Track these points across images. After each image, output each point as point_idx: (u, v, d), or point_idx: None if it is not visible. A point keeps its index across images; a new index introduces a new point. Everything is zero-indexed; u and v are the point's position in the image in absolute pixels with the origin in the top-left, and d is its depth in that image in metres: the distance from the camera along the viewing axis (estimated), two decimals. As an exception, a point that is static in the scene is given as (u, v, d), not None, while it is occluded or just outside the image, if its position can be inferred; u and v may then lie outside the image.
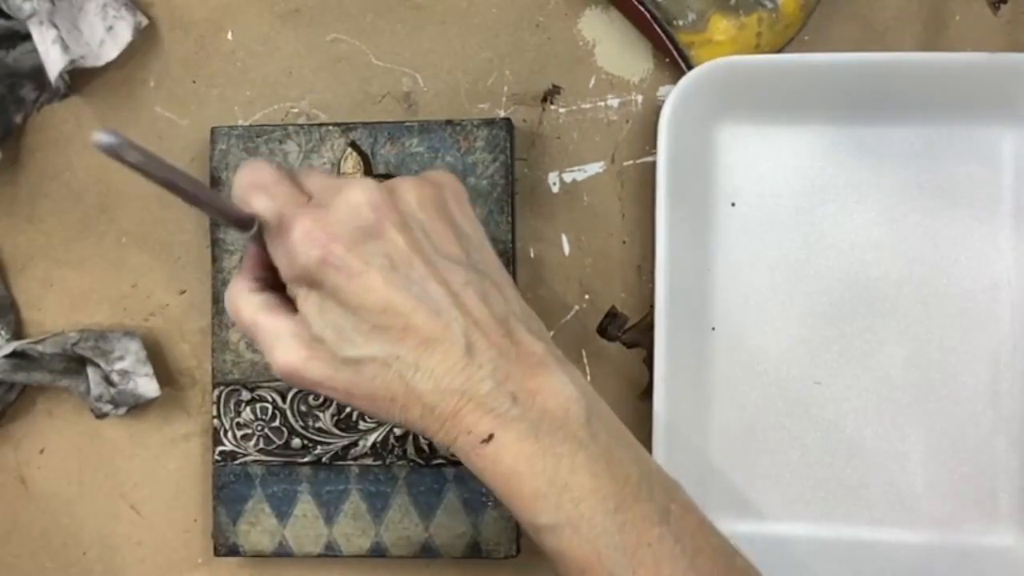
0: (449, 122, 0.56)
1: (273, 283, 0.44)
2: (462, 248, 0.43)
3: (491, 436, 0.41)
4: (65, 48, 0.54)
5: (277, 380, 0.56)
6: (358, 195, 0.41)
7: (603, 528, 0.40)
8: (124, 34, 0.57)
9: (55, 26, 0.54)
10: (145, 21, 0.58)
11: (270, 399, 0.56)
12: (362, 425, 0.56)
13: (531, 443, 0.41)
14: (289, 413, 0.56)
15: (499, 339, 0.42)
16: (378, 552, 0.56)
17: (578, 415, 0.41)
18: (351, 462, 0.56)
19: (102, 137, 0.35)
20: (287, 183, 0.43)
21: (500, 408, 0.41)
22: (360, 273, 0.41)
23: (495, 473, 0.41)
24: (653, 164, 0.54)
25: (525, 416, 0.41)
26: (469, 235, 0.44)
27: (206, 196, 0.40)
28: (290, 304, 0.43)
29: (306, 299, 0.42)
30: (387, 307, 0.41)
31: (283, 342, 0.42)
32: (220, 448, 0.56)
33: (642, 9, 0.54)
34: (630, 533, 0.40)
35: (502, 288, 0.44)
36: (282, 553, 0.56)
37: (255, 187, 0.42)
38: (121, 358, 0.57)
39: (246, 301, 0.43)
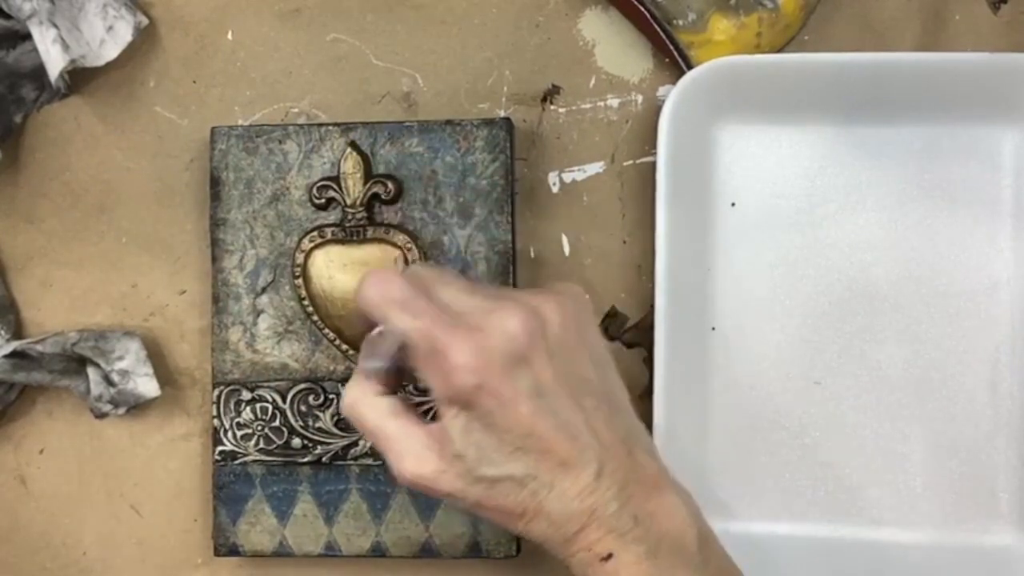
0: (449, 122, 0.56)
1: (394, 387, 0.46)
2: (595, 369, 0.45)
3: (611, 555, 0.42)
4: (65, 48, 0.54)
5: (277, 380, 0.56)
6: (513, 323, 0.42)
7: None
8: (124, 34, 0.57)
9: (55, 26, 0.54)
10: (145, 21, 0.58)
11: (270, 399, 0.56)
12: (362, 425, 0.56)
13: (649, 565, 0.42)
14: (289, 413, 0.56)
15: (623, 460, 0.43)
16: (378, 552, 0.56)
17: (692, 539, 0.43)
18: (351, 462, 0.56)
19: (375, 363, 0.42)
20: (425, 298, 0.44)
21: (622, 528, 0.42)
22: (510, 401, 0.42)
23: None
24: (653, 164, 0.54)
25: (645, 538, 0.42)
26: (599, 356, 0.46)
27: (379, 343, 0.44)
28: (415, 410, 0.45)
29: (455, 418, 0.43)
30: (531, 433, 0.42)
31: (414, 451, 0.43)
32: (220, 448, 0.56)
33: (642, 9, 0.54)
34: None
35: (624, 407, 0.46)
36: (282, 553, 0.56)
37: (393, 304, 0.43)
38: (121, 358, 0.57)
39: (371, 405, 0.45)
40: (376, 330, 0.44)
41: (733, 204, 0.55)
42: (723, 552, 0.45)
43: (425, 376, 0.43)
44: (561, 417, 0.42)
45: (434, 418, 0.44)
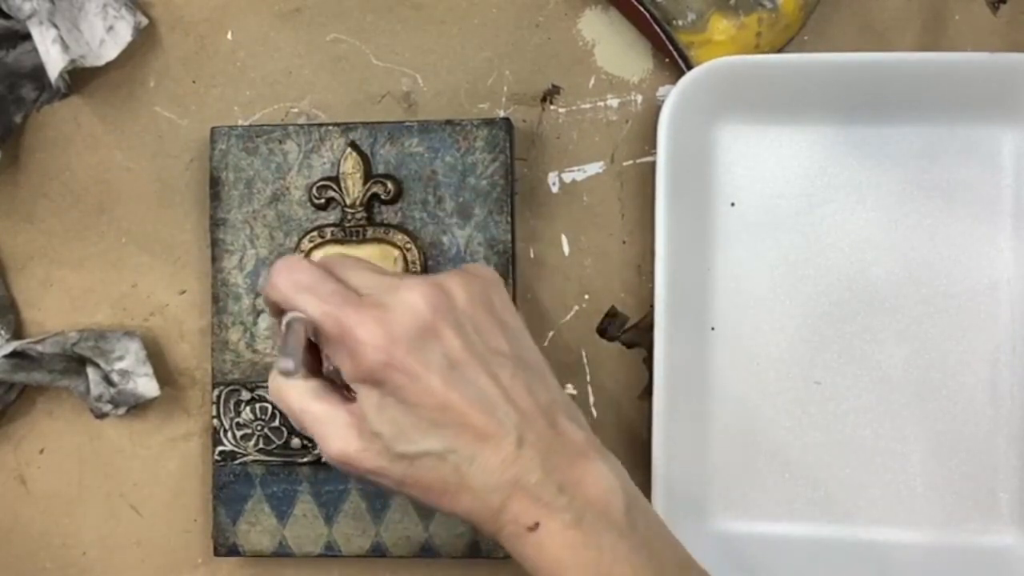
0: (449, 122, 0.56)
1: (315, 367, 0.45)
2: (508, 341, 0.45)
3: (537, 524, 0.42)
4: (65, 48, 0.54)
5: (277, 380, 0.56)
6: (416, 297, 0.43)
7: None
8: (124, 34, 0.57)
9: (55, 26, 0.55)
10: (145, 21, 0.58)
11: (270, 399, 0.56)
12: (362, 425, 0.56)
13: (575, 532, 0.41)
14: (289, 413, 0.56)
15: (545, 429, 0.43)
16: (378, 552, 0.56)
17: (619, 505, 0.42)
18: (351, 462, 0.56)
19: (288, 364, 0.40)
20: (332, 281, 0.44)
21: (547, 497, 0.42)
22: (420, 375, 0.42)
23: (539, 561, 0.42)
24: (653, 164, 0.54)
25: (570, 505, 0.42)
26: (512, 327, 0.46)
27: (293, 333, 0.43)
28: (336, 389, 0.44)
29: (367, 397, 0.43)
30: (445, 406, 0.42)
31: (337, 431, 0.43)
32: (220, 448, 0.56)
33: (642, 9, 0.54)
34: None
35: (544, 377, 0.45)
36: (282, 553, 0.56)
37: (300, 288, 0.43)
38: (121, 358, 0.57)
39: (295, 388, 0.44)
40: (287, 316, 0.44)
41: (733, 204, 0.55)
42: (655, 519, 0.44)
43: (335, 358, 0.43)
44: (475, 388, 0.42)
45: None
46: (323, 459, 0.44)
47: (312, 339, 0.44)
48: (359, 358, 0.42)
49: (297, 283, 0.44)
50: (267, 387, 0.56)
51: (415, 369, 0.42)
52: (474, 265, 0.48)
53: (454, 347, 0.43)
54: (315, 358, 0.46)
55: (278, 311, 0.45)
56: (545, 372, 0.45)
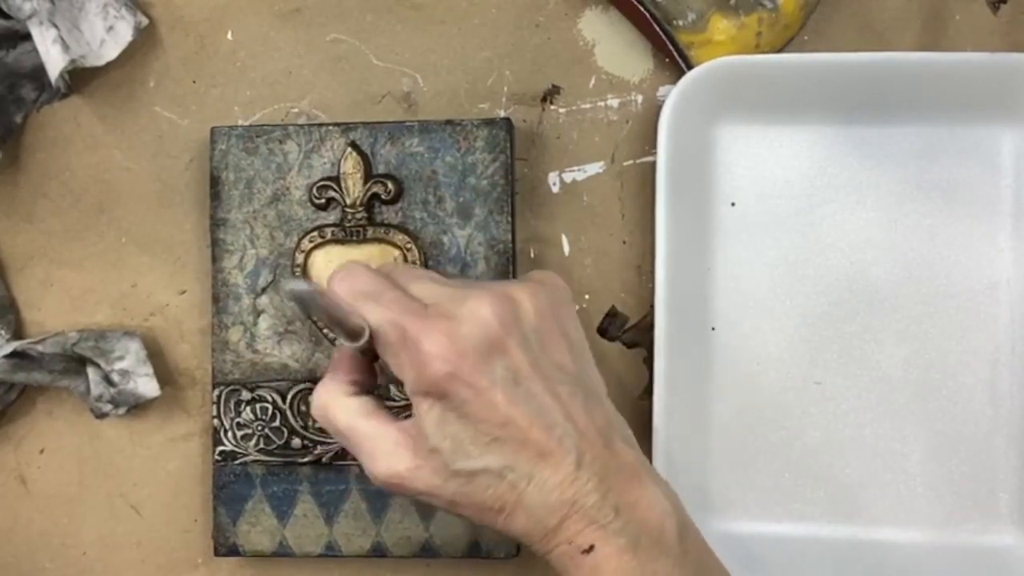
0: (449, 122, 0.56)
1: (367, 387, 0.45)
2: (571, 357, 0.44)
3: (592, 547, 0.41)
4: (65, 48, 0.54)
5: (277, 380, 0.56)
6: (486, 310, 0.42)
7: None
8: (124, 34, 0.57)
9: (55, 26, 0.54)
10: (145, 21, 0.58)
11: (270, 399, 0.56)
12: (362, 425, 0.56)
13: (630, 557, 0.41)
14: (289, 413, 0.56)
15: (602, 450, 0.42)
16: (378, 552, 0.56)
17: (672, 530, 0.42)
18: (351, 462, 0.56)
19: (298, 285, 0.38)
20: (395, 289, 0.43)
21: (603, 520, 0.41)
22: (485, 389, 0.41)
23: None
24: (653, 164, 0.54)
25: (626, 529, 0.41)
26: (576, 343, 0.45)
27: (339, 314, 0.42)
28: (387, 409, 0.44)
29: (428, 410, 0.42)
30: (507, 422, 0.41)
31: (388, 449, 0.42)
32: (220, 448, 0.56)
33: (642, 9, 0.54)
34: None
35: (601, 397, 0.45)
36: (282, 553, 0.56)
37: (363, 296, 0.43)
38: (121, 358, 0.57)
39: (342, 406, 0.44)
40: (359, 342, 0.43)
41: (733, 204, 0.55)
42: (703, 543, 0.44)
43: (396, 369, 0.42)
44: (537, 405, 0.42)
45: (408, 418, 0.43)
46: (372, 481, 0.43)
47: (362, 355, 0.44)
48: (424, 370, 0.41)
49: (358, 290, 0.43)
50: (268, 386, 0.56)
51: (480, 383, 0.41)
52: (544, 273, 0.47)
53: (520, 362, 0.42)
54: (364, 376, 0.45)
55: (330, 320, 0.43)
56: (602, 392, 0.45)
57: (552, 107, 0.57)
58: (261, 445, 0.56)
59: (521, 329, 0.42)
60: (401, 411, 0.44)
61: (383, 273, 0.44)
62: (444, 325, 0.41)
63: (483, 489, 0.42)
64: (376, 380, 0.46)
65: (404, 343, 0.42)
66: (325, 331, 0.56)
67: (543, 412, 0.42)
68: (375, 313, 0.42)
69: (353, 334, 0.42)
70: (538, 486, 0.41)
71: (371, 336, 0.42)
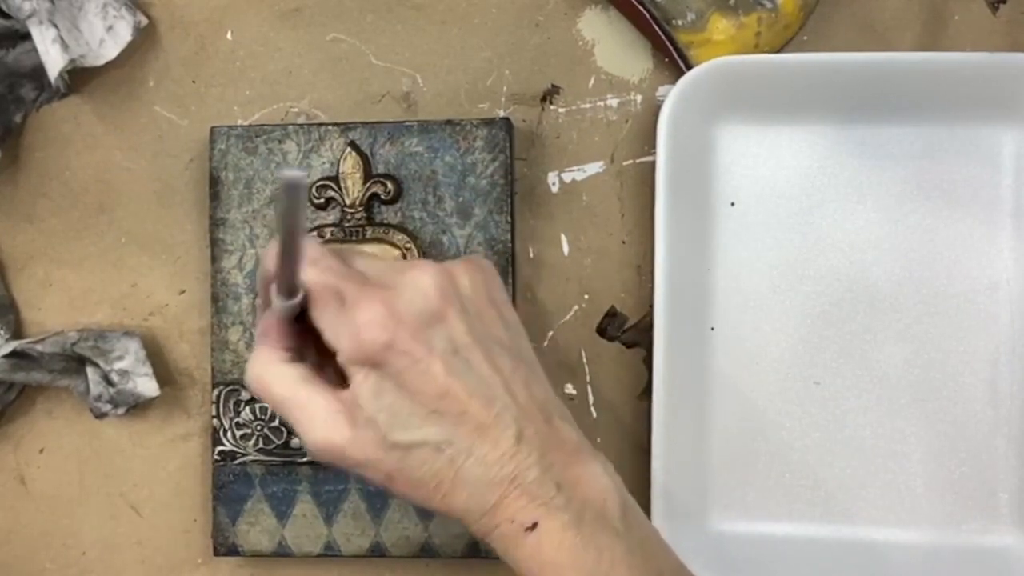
0: (449, 122, 0.56)
1: (302, 354, 0.43)
2: (508, 334, 0.44)
3: (535, 524, 0.40)
4: (65, 48, 0.54)
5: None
6: (426, 280, 0.41)
7: None
8: (124, 34, 0.57)
9: (55, 26, 0.55)
10: (145, 21, 0.58)
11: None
12: (362, 425, 0.56)
13: (574, 533, 0.40)
14: (289, 413, 0.56)
15: (542, 425, 0.42)
16: (378, 552, 0.56)
17: (615, 506, 0.42)
18: (351, 462, 0.56)
19: (292, 173, 0.36)
20: (335, 258, 0.43)
21: (545, 496, 0.41)
22: (423, 359, 0.40)
23: (536, 563, 0.41)
24: (653, 164, 0.54)
25: (568, 505, 0.41)
26: (511, 322, 0.45)
27: (295, 252, 0.40)
28: (323, 378, 0.42)
29: (364, 380, 0.41)
30: (446, 393, 0.41)
31: (325, 419, 0.41)
32: (219, 448, 0.56)
33: (641, 9, 0.54)
34: None
35: (540, 376, 0.44)
36: (281, 553, 0.56)
37: (305, 260, 0.42)
38: (121, 358, 0.57)
39: (279, 373, 0.42)
40: (293, 300, 0.41)
41: (733, 204, 0.55)
42: (646, 522, 0.43)
43: (331, 337, 0.41)
44: (476, 376, 0.41)
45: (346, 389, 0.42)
46: (308, 451, 0.42)
47: (296, 321, 0.42)
48: (360, 337, 0.40)
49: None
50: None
51: (418, 352, 0.40)
52: (474, 256, 0.47)
53: (459, 333, 0.41)
54: (297, 344, 0.43)
55: (267, 290, 0.42)
56: (540, 371, 0.45)
57: (552, 107, 0.57)
58: (260, 445, 0.56)
59: (460, 300, 0.42)
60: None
61: (328, 248, 0.43)
62: (383, 294, 0.41)
63: (420, 464, 0.41)
64: (308, 350, 0.44)
65: (341, 310, 0.41)
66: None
67: (483, 384, 0.41)
68: (314, 275, 0.41)
69: (291, 289, 0.41)
70: (477, 461, 0.41)
71: (305, 298, 0.41)
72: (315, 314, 0.42)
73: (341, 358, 0.41)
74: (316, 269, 0.41)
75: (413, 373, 0.40)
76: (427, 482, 0.41)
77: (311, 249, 0.42)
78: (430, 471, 0.41)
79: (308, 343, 0.43)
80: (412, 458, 0.41)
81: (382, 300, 0.41)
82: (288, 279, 0.41)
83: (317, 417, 0.41)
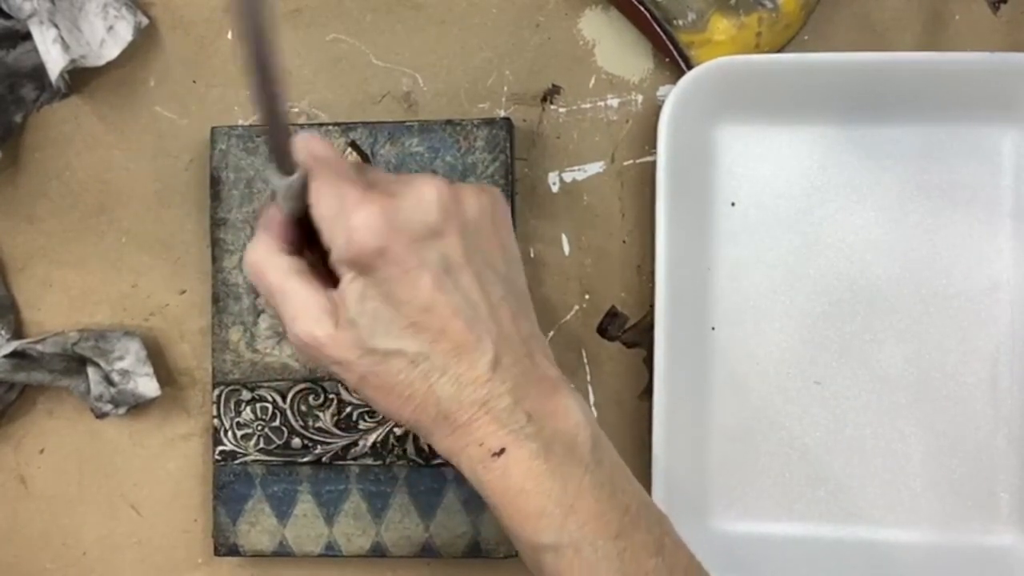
0: (449, 122, 0.56)
1: (299, 248, 0.43)
2: (505, 263, 0.44)
3: (503, 450, 0.41)
4: (65, 48, 0.54)
5: (277, 380, 0.56)
6: (431, 193, 0.41)
7: (604, 553, 0.41)
8: (124, 34, 0.57)
9: (55, 26, 0.54)
10: (145, 21, 0.58)
11: (270, 399, 0.56)
12: (362, 425, 0.56)
13: (541, 462, 0.41)
14: (289, 413, 0.56)
15: (522, 358, 0.42)
16: (378, 552, 0.56)
17: (585, 440, 0.42)
18: (351, 462, 0.56)
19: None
20: (346, 163, 0.43)
21: (515, 424, 0.41)
22: (413, 270, 0.41)
23: (501, 488, 0.41)
24: (653, 164, 0.54)
25: (538, 435, 0.41)
26: (510, 252, 0.45)
27: (279, 108, 0.39)
28: (315, 273, 0.43)
29: (352, 282, 0.41)
30: (430, 307, 0.41)
31: (310, 312, 0.41)
32: (220, 448, 0.56)
33: (642, 9, 0.54)
34: (630, 561, 0.41)
35: (528, 310, 0.45)
36: (282, 553, 0.56)
37: (315, 159, 0.42)
38: (121, 358, 0.57)
39: (275, 263, 0.42)
40: (288, 179, 0.41)
41: (733, 204, 0.55)
42: (618, 459, 0.44)
43: (327, 235, 0.41)
44: (463, 297, 0.41)
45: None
46: (288, 339, 0.42)
47: (296, 224, 0.42)
48: (353, 239, 0.40)
49: (312, 151, 0.42)
50: (268, 386, 0.56)
51: (409, 263, 0.40)
52: (487, 185, 0.46)
53: (455, 251, 0.41)
54: (302, 240, 0.44)
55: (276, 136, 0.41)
56: (530, 306, 0.45)
57: (552, 107, 0.57)
58: (261, 445, 0.56)
59: (462, 219, 0.42)
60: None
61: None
62: (384, 200, 0.41)
63: (394, 372, 0.41)
64: (308, 251, 0.45)
65: (339, 210, 0.41)
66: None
67: (468, 306, 0.41)
68: (320, 174, 0.41)
69: (288, 167, 0.41)
70: (451, 380, 0.41)
71: (305, 187, 0.41)
72: (315, 212, 0.42)
73: (334, 257, 0.41)
74: (323, 168, 0.41)
75: (401, 283, 0.41)
76: (399, 391, 0.41)
77: (322, 147, 0.42)
78: (403, 381, 0.41)
79: (309, 246, 0.44)
80: (387, 365, 0.41)
81: (382, 206, 0.41)
82: (278, 142, 0.40)
83: (303, 310, 0.42)
